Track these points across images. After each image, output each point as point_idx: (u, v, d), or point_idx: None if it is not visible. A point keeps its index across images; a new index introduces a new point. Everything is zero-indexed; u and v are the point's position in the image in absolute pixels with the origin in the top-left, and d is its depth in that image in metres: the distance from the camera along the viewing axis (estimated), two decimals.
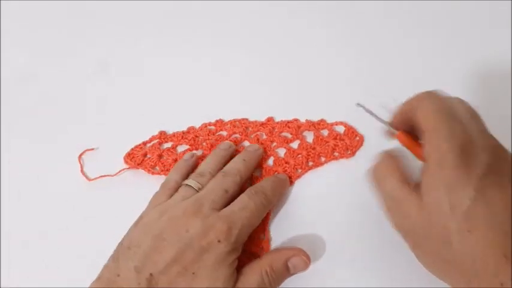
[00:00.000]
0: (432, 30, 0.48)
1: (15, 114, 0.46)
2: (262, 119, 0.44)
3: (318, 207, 0.40)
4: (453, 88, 0.44)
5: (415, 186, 0.29)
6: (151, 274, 0.31)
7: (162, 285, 0.31)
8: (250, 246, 0.38)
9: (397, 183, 0.30)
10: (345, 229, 0.38)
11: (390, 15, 0.49)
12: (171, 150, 0.43)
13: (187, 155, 0.41)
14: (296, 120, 0.43)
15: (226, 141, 0.42)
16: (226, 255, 0.32)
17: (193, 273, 0.32)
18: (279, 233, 0.39)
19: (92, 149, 0.43)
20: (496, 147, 0.30)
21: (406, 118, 0.32)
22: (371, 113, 0.35)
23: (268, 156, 0.42)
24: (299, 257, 0.35)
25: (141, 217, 0.36)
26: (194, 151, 0.42)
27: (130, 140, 0.43)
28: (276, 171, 0.41)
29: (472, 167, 0.27)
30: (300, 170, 0.41)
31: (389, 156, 0.32)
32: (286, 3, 0.50)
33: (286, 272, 0.35)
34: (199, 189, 0.36)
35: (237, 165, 0.38)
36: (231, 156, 0.40)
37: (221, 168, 0.38)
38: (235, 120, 0.44)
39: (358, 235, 0.38)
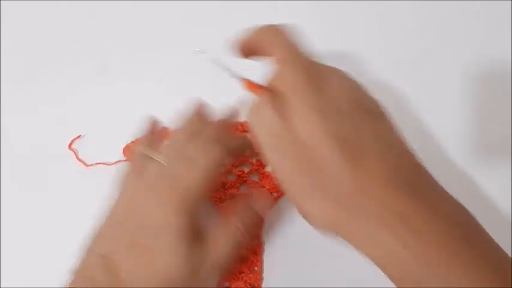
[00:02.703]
0: (432, 30, 0.48)
1: (15, 114, 0.45)
2: None
3: None
4: (453, 88, 0.45)
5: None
6: (109, 258, 0.31)
7: (121, 267, 0.30)
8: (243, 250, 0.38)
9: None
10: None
11: (390, 15, 0.49)
12: None
13: (151, 122, 0.38)
14: None
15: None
16: (184, 227, 0.31)
17: (151, 251, 0.30)
18: (273, 238, 0.39)
19: (79, 136, 0.43)
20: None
21: (252, 49, 0.32)
22: (221, 67, 0.33)
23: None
24: (261, 195, 0.35)
25: (114, 201, 0.35)
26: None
27: (131, 136, 0.43)
28: (274, 177, 0.41)
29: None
30: None
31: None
32: (294, 3, 0.50)
33: (258, 218, 0.34)
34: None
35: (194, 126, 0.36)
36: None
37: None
38: (236, 123, 0.43)
39: None
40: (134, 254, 0.31)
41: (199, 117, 0.36)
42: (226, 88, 0.45)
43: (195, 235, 0.31)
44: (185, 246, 0.30)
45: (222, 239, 0.32)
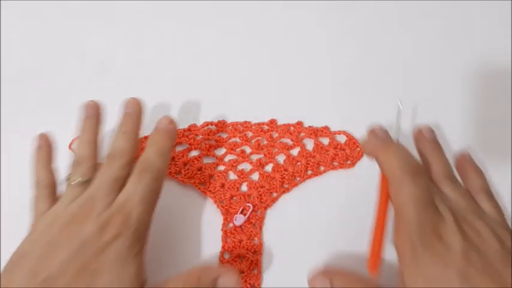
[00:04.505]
0: (432, 30, 0.48)
1: (15, 114, 0.45)
2: (266, 120, 0.43)
3: (313, 215, 0.40)
4: (453, 88, 0.45)
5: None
6: (46, 277, 0.29)
7: (61, 285, 0.28)
8: (243, 250, 0.38)
9: None
10: (340, 239, 0.38)
11: (390, 15, 0.49)
12: None
13: (40, 140, 0.37)
14: (299, 123, 0.43)
15: (91, 103, 0.37)
16: (128, 247, 0.30)
17: (94, 270, 0.29)
18: (273, 238, 0.39)
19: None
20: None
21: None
22: (398, 115, 0.37)
23: (267, 163, 0.42)
24: (229, 275, 0.32)
25: (29, 231, 0.33)
26: (45, 133, 0.38)
27: None
28: (274, 177, 0.41)
29: (448, 257, 0.28)
30: (298, 179, 0.41)
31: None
32: (296, 3, 0.50)
33: None
34: (87, 180, 0.33)
35: (119, 143, 0.34)
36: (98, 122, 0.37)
37: (97, 144, 0.35)
38: (237, 123, 0.43)
39: (353, 245, 0.38)
40: (73, 273, 0.29)
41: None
42: (230, 89, 0.46)
43: (143, 279, 0.31)
44: (132, 267, 0.30)
45: (175, 285, 0.31)
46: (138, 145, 0.36)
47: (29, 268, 0.29)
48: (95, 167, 0.34)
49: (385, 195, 0.33)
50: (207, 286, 0.31)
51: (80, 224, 0.30)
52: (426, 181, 0.32)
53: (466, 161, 0.37)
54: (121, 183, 0.33)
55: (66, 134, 0.43)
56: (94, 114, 0.36)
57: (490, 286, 0.27)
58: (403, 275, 0.30)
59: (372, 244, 0.33)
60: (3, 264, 0.38)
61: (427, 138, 0.37)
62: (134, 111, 0.36)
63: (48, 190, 0.35)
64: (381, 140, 0.34)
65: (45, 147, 0.37)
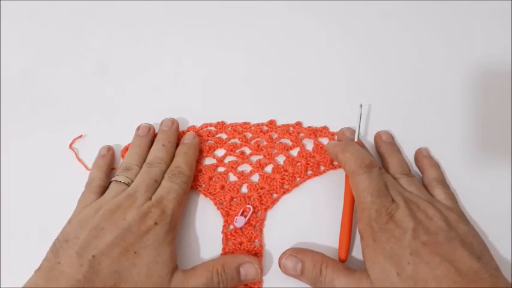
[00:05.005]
0: (432, 31, 0.48)
1: (15, 114, 0.45)
2: (265, 121, 0.43)
3: (313, 216, 0.40)
4: (453, 88, 0.45)
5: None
6: (93, 256, 0.33)
7: (105, 265, 0.33)
8: (244, 252, 0.38)
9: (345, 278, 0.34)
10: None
11: (390, 15, 0.48)
12: None
13: (103, 150, 0.42)
14: (298, 124, 0.43)
15: (144, 125, 0.43)
16: (164, 234, 0.35)
17: (135, 252, 0.34)
18: (273, 239, 0.39)
19: (80, 136, 0.43)
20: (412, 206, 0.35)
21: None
22: (359, 118, 0.41)
23: (267, 164, 0.41)
24: (251, 264, 0.36)
25: (74, 216, 0.37)
26: (110, 145, 0.43)
27: (131, 137, 0.42)
28: (273, 178, 0.41)
29: (401, 235, 0.33)
30: (298, 179, 0.41)
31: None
32: (295, 3, 0.49)
33: (237, 276, 0.36)
34: (129, 183, 0.38)
35: (159, 153, 0.40)
36: (152, 140, 0.42)
37: (145, 157, 0.41)
38: (236, 124, 0.43)
39: (353, 244, 0.38)
40: (118, 254, 0.33)
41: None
42: (229, 91, 0.45)
43: (175, 263, 0.36)
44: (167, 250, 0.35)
45: (201, 273, 0.35)
46: (172, 155, 0.41)
47: (76, 249, 0.33)
48: (137, 175, 0.39)
49: (349, 192, 0.38)
50: (232, 274, 0.36)
51: (124, 212, 0.35)
52: (379, 173, 0.36)
53: (423, 156, 0.42)
54: (157, 185, 0.38)
55: (66, 134, 0.43)
56: (146, 134, 0.42)
57: (438, 260, 0.32)
58: (364, 254, 0.35)
59: (340, 235, 0.38)
60: (3, 264, 0.39)
61: (385, 141, 0.42)
62: (170, 129, 0.42)
63: (98, 189, 0.39)
64: (341, 142, 0.39)
65: (108, 156, 0.42)
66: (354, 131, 0.41)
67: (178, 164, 0.39)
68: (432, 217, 0.34)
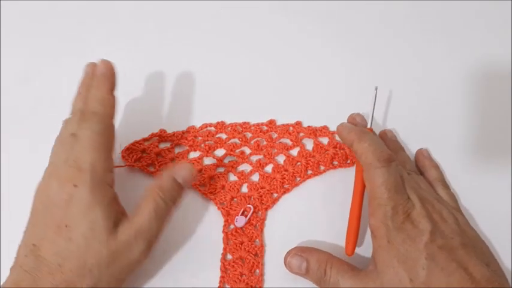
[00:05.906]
0: (432, 31, 0.48)
1: (15, 114, 0.45)
2: (265, 120, 0.43)
3: (314, 215, 0.40)
4: (453, 88, 0.45)
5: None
6: (33, 244, 0.31)
7: (45, 250, 0.31)
8: (244, 252, 0.38)
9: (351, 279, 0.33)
10: (341, 238, 0.38)
11: (390, 15, 0.49)
12: (169, 149, 0.42)
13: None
14: (298, 123, 0.43)
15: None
16: (89, 194, 0.31)
17: (66, 226, 0.31)
18: (274, 239, 0.39)
19: None
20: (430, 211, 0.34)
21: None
22: (373, 102, 0.40)
23: (267, 164, 0.42)
24: (180, 166, 0.35)
25: None
26: None
27: (131, 137, 0.42)
28: (274, 178, 0.41)
29: (417, 237, 0.31)
30: (299, 179, 0.41)
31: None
32: (294, 3, 0.49)
33: (178, 186, 0.35)
34: None
35: (74, 103, 0.36)
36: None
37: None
38: (236, 124, 0.43)
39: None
40: (52, 234, 0.31)
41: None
42: (229, 90, 0.46)
43: (117, 215, 0.33)
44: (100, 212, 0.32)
45: (144, 206, 0.33)
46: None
47: (24, 241, 0.32)
48: None
49: (360, 183, 0.36)
50: (172, 187, 0.34)
51: (47, 188, 0.32)
52: (397, 168, 0.35)
53: (424, 157, 0.41)
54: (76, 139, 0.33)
55: None
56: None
57: (454, 266, 0.31)
58: (377, 254, 0.33)
59: (348, 228, 0.36)
60: (3, 263, 0.39)
61: (390, 138, 0.42)
62: (87, 74, 0.37)
63: None
64: (356, 129, 0.36)
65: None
66: (364, 118, 0.39)
67: (88, 103, 0.34)
68: (446, 219, 0.33)
